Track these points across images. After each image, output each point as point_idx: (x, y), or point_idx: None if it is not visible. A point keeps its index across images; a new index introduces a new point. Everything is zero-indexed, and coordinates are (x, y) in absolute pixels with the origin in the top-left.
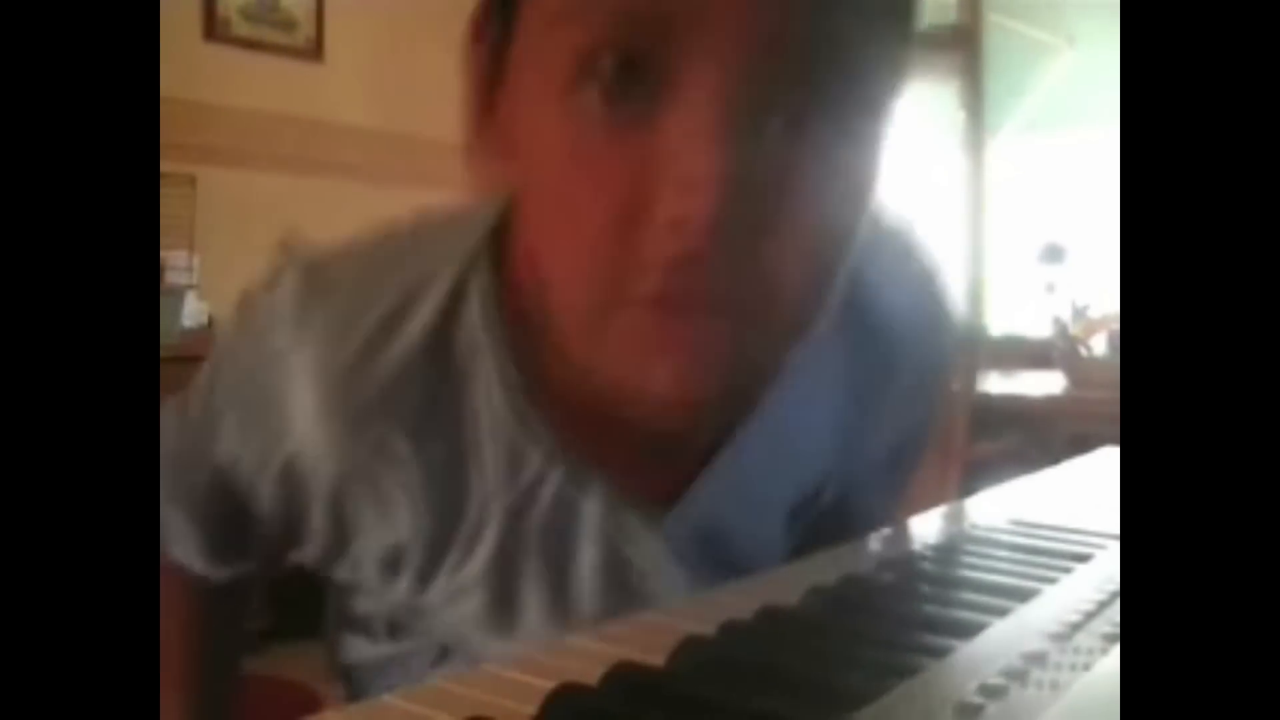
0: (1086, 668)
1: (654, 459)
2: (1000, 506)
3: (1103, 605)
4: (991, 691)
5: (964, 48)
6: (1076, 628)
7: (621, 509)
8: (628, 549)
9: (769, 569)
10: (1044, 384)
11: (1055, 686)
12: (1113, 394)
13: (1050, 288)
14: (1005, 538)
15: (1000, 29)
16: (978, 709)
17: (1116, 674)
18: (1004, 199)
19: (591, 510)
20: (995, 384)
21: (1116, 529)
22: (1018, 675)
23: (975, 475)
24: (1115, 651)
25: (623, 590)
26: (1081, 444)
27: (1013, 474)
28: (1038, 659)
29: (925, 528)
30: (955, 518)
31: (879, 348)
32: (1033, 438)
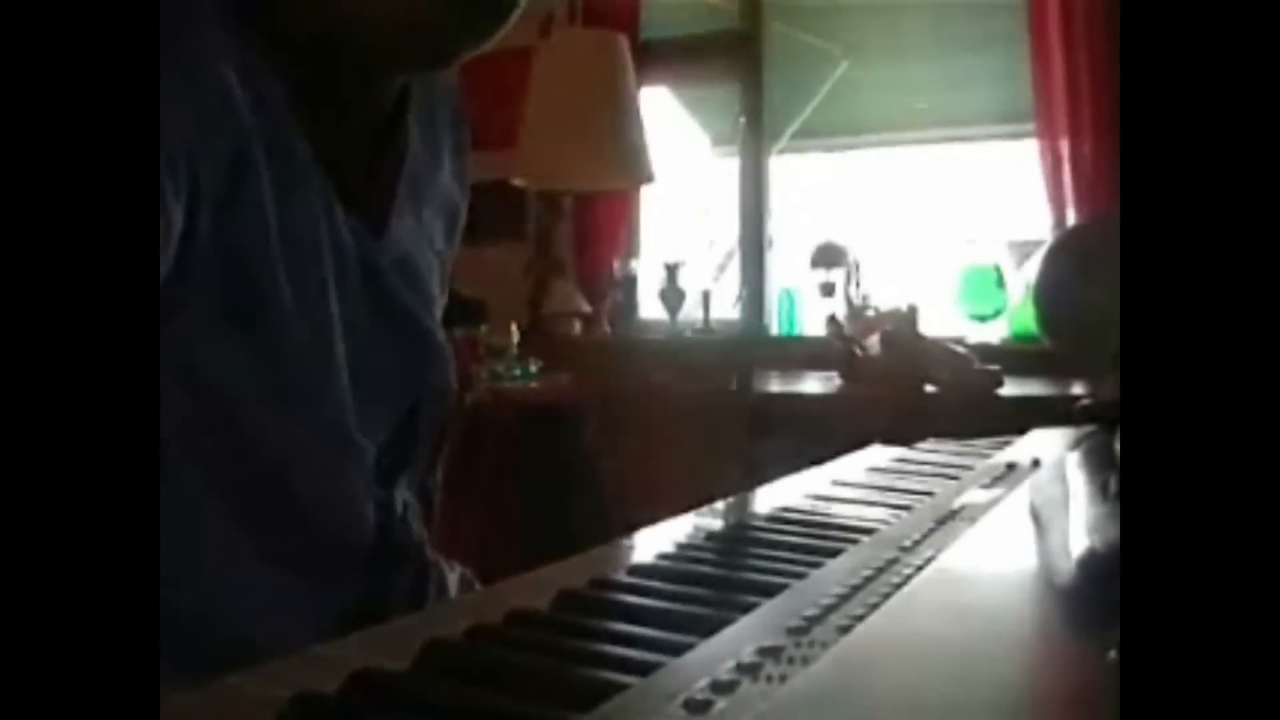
0: (810, 661)
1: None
2: (767, 504)
3: (844, 599)
4: (721, 687)
5: (745, 53)
6: (815, 621)
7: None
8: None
9: None
10: (821, 383)
11: (784, 680)
12: (886, 391)
13: (828, 290)
14: (762, 535)
15: (781, 36)
16: (706, 705)
17: (841, 664)
18: (784, 203)
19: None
20: (774, 384)
21: (873, 524)
22: (750, 670)
23: (753, 473)
24: (843, 642)
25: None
26: (856, 440)
27: (789, 471)
28: (772, 653)
29: (683, 527)
30: (716, 516)
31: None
32: (810, 435)
